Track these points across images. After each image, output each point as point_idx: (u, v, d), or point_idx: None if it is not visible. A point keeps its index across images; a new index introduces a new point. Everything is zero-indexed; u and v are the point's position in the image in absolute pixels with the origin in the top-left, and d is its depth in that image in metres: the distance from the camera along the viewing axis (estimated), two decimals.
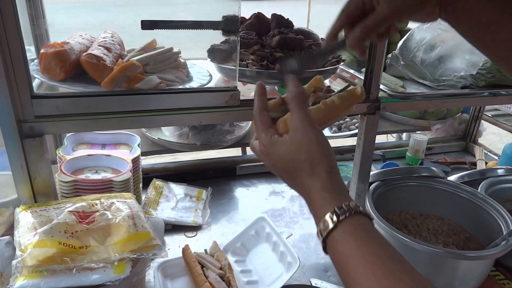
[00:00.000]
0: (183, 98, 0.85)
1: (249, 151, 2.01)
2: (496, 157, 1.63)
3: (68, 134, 1.21)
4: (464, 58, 1.04)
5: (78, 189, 0.99)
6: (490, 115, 2.18)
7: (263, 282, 0.95)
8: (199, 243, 1.13)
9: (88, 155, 1.13)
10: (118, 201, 0.82)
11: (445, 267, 0.89)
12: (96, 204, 0.80)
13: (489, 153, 1.70)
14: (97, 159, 1.14)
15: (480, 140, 1.82)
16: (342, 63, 1.06)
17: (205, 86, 0.94)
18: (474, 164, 1.59)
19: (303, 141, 0.59)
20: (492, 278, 1.04)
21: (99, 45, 0.94)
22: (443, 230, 1.07)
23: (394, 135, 2.55)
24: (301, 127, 0.60)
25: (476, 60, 1.03)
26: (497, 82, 1.05)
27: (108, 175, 1.07)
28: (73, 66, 0.87)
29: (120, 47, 1.01)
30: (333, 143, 1.71)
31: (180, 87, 0.91)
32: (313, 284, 0.99)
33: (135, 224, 0.75)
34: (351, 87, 0.71)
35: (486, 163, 1.57)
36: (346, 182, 1.40)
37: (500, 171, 1.20)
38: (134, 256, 0.69)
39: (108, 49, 0.94)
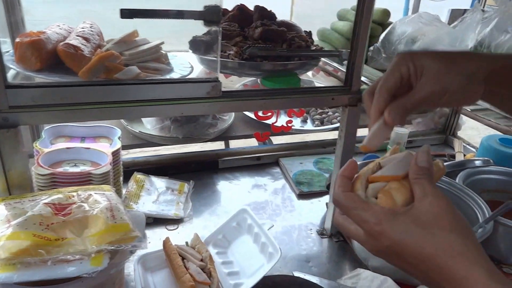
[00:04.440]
0: (163, 89, 0.84)
1: (232, 144, 2.01)
2: (474, 150, 1.66)
3: (46, 127, 1.19)
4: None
5: (55, 183, 0.97)
6: (469, 110, 2.20)
7: (244, 273, 0.95)
8: (180, 236, 1.13)
9: (67, 148, 1.11)
10: (96, 193, 0.81)
11: None
12: (73, 196, 0.79)
13: (467, 146, 1.73)
14: (75, 152, 1.12)
15: (460, 134, 1.85)
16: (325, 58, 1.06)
17: (186, 77, 0.93)
18: (453, 156, 1.62)
19: (445, 214, 0.46)
20: None
21: (77, 35, 0.92)
22: None
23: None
24: (434, 199, 0.48)
25: None
26: None
27: (87, 168, 1.05)
28: (49, 56, 0.85)
29: (99, 37, 0.99)
30: (316, 136, 1.73)
31: (161, 78, 0.90)
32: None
33: (114, 216, 0.74)
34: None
35: (464, 155, 1.60)
36: (327, 175, 1.41)
37: (477, 162, 1.23)
38: (112, 248, 0.68)
39: (86, 39, 0.93)
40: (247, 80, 1.13)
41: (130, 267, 0.99)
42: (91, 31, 0.97)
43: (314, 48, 1.06)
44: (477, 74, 0.54)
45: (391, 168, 0.55)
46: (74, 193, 0.80)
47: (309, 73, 1.25)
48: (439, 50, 0.57)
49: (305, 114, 1.68)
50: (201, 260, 0.94)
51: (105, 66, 0.84)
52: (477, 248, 0.45)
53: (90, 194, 0.80)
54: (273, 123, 1.39)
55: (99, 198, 0.79)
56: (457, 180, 1.10)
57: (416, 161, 0.53)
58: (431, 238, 0.45)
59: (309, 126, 1.66)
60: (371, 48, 1.13)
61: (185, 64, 1.00)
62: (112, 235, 0.70)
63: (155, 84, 0.83)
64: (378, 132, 0.58)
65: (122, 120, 1.56)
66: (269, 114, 1.38)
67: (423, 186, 0.49)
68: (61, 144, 1.13)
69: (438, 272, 0.44)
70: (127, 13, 0.73)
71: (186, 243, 1.02)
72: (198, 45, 0.98)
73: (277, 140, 1.76)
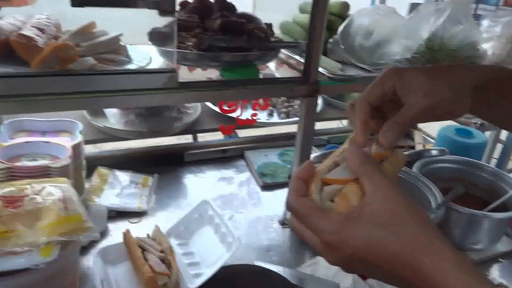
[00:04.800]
0: (119, 80, 0.83)
1: (200, 138, 2.00)
2: (433, 141, 1.71)
3: (5, 121, 1.17)
4: (400, 42, 1.08)
5: (13, 177, 0.95)
6: None
7: (204, 263, 0.96)
8: (143, 229, 1.12)
9: (26, 142, 1.09)
10: (50, 185, 0.80)
11: None
12: (26, 189, 0.78)
13: (427, 137, 1.77)
14: (35, 146, 1.10)
15: (420, 126, 1.89)
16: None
17: (144, 68, 0.92)
18: (413, 147, 1.66)
19: (401, 208, 0.44)
20: None
21: (32, 26, 0.90)
22: None
23: (345, 122, 2.61)
24: (387, 191, 0.45)
25: (411, 45, 1.07)
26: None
27: (46, 162, 1.03)
28: (2, 47, 0.83)
29: (56, 29, 0.98)
30: (282, 129, 1.75)
31: (117, 68, 0.89)
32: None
33: (67, 208, 0.74)
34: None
35: (424, 146, 1.64)
36: (289, 166, 1.43)
37: (434, 152, 1.26)
38: (63, 239, 0.67)
39: (41, 30, 0.91)
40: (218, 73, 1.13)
41: (90, 260, 0.99)
42: (48, 22, 0.96)
43: (273, 40, 1.07)
44: (464, 86, 0.54)
45: (346, 168, 0.52)
46: (28, 186, 0.80)
47: (273, 67, 1.26)
48: (422, 66, 0.57)
49: (271, 108, 1.70)
50: (161, 252, 0.94)
51: (59, 57, 0.83)
52: (440, 238, 0.44)
53: (44, 187, 0.80)
54: (238, 116, 1.40)
55: (53, 190, 0.78)
56: (413, 169, 1.13)
57: (348, 151, 0.51)
58: (392, 236, 0.43)
59: (275, 119, 1.67)
60: (331, 40, 1.15)
61: (144, 55, 1.00)
62: (64, 227, 0.70)
63: (111, 74, 0.83)
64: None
65: (86, 115, 1.54)
66: (234, 107, 1.38)
67: (371, 179, 0.47)
68: (20, 139, 1.11)
69: (406, 270, 0.43)
70: (77, 1, 0.72)
71: (147, 235, 1.02)
72: (156, 37, 0.98)
73: (245, 133, 1.77)
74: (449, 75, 0.54)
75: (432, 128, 2.72)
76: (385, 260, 0.43)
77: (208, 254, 0.97)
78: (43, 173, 0.98)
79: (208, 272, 0.90)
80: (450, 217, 1.04)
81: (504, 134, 1.79)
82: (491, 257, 1.14)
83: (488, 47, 1.24)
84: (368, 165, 0.48)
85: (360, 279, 0.94)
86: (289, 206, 0.50)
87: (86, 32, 0.95)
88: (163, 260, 0.91)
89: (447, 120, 0.54)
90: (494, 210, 1.10)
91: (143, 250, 0.94)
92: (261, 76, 1.03)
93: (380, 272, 0.45)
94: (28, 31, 0.86)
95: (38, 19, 0.95)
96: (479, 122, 1.97)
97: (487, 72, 0.57)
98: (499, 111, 0.60)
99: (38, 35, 0.87)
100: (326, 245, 0.46)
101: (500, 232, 1.11)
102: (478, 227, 1.06)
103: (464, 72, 0.56)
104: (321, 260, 0.98)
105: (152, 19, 0.90)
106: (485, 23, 1.30)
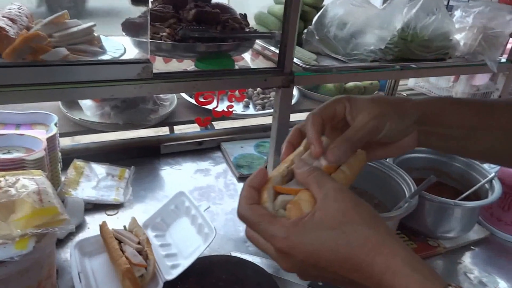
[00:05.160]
0: (93, 71, 0.82)
1: (177, 130, 1.99)
2: None
3: None
4: (374, 33, 1.09)
5: None
6: (405, 94, 2.32)
7: (181, 254, 0.96)
8: (120, 221, 1.12)
9: None
10: (24, 178, 0.79)
11: None
12: (0, 181, 0.77)
13: None
14: (8, 139, 1.08)
15: None
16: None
17: (118, 59, 0.92)
18: None
19: (352, 209, 0.45)
20: None
21: (3, 16, 0.88)
22: None
23: None
24: (337, 194, 0.46)
25: (384, 35, 1.08)
26: (403, 56, 1.13)
27: (20, 154, 1.02)
28: None
29: (28, 19, 0.96)
30: (258, 121, 1.75)
31: (90, 59, 0.88)
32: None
33: (41, 200, 0.73)
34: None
35: None
36: (266, 158, 1.44)
37: None
38: (38, 231, 0.67)
39: (12, 20, 0.89)
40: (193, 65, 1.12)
41: (68, 253, 0.98)
42: (19, 12, 0.94)
43: (248, 30, 1.08)
44: (408, 116, 0.58)
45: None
46: (1, 178, 0.78)
47: (248, 59, 1.27)
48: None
49: (246, 99, 1.70)
50: (138, 243, 0.95)
51: (31, 47, 0.82)
52: (391, 237, 0.44)
53: (18, 179, 0.78)
54: (214, 108, 1.40)
55: (27, 183, 0.77)
56: (387, 159, 1.16)
57: (295, 167, 0.51)
58: (343, 237, 0.43)
59: (251, 111, 1.68)
60: (305, 31, 1.16)
61: (118, 46, 0.99)
62: (39, 219, 0.69)
63: (84, 65, 0.82)
64: None
65: (61, 107, 1.51)
66: (210, 99, 1.38)
67: (320, 185, 0.47)
68: None
69: (358, 271, 0.43)
70: None
71: (124, 227, 1.02)
72: (130, 27, 0.96)
73: (221, 125, 1.77)
74: (395, 104, 0.58)
75: None
76: (338, 264, 0.43)
77: (185, 245, 0.98)
78: (18, 165, 0.97)
79: (185, 263, 0.90)
80: (423, 206, 1.07)
81: None
82: (464, 245, 1.18)
83: (460, 38, 1.27)
84: (315, 173, 0.49)
85: None
86: (240, 215, 0.49)
87: (58, 22, 0.94)
88: (140, 252, 0.92)
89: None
90: (466, 199, 1.14)
91: (120, 242, 0.94)
92: (236, 68, 1.04)
93: (334, 277, 0.45)
94: None
95: (9, 9, 0.93)
96: None
97: (426, 105, 0.60)
98: (450, 140, 0.63)
99: (9, 25, 0.85)
100: (278, 252, 0.46)
101: (472, 220, 1.15)
102: (450, 215, 1.09)
103: (408, 104, 0.60)
104: None
105: (126, 9, 0.90)
106: (457, 13, 1.33)
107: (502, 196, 1.13)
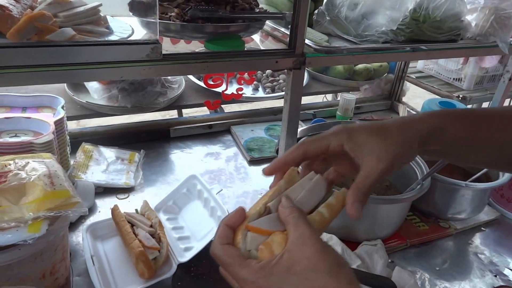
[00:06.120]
0: (101, 52, 0.81)
1: (185, 113, 1.98)
2: None
3: None
4: (385, 14, 1.06)
5: None
6: (414, 77, 2.29)
7: (194, 237, 0.96)
8: (131, 205, 1.11)
9: (6, 118, 1.06)
10: (34, 161, 0.78)
11: (366, 213, 0.94)
12: (10, 165, 0.76)
13: (411, 111, 1.79)
14: (16, 122, 1.07)
15: (404, 99, 1.91)
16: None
17: (126, 40, 0.90)
18: None
19: (317, 255, 0.46)
20: (409, 222, 1.12)
21: None
22: None
23: (329, 96, 2.62)
24: (306, 240, 0.47)
25: (396, 16, 1.06)
26: (415, 37, 1.09)
27: (28, 138, 1.01)
28: None
29: None
30: (267, 104, 1.74)
31: (97, 40, 0.86)
32: None
33: (53, 183, 0.72)
34: (335, 191, 0.58)
35: None
36: (277, 141, 1.43)
37: None
38: (51, 214, 0.66)
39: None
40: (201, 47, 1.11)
41: (80, 237, 0.98)
42: None
43: (258, 10, 1.05)
44: (412, 141, 0.57)
45: (273, 219, 0.52)
46: (11, 161, 0.77)
47: (258, 40, 1.24)
48: (369, 124, 0.59)
49: (256, 82, 1.68)
50: (151, 226, 0.94)
51: (36, 27, 0.80)
52: (352, 284, 0.45)
53: (28, 162, 0.78)
54: (223, 91, 1.38)
55: (37, 166, 0.76)
56: None
57: (281, 205, 0.53)
58: (305, 284, 0.44)
59: (260, 94, 1.67)
60: (316, 11, 1.13)
61: (125, 27, 0.97)
62: (51, 202, 0.68)
63: (91, 46, 0.80)
64: (315, 189, 0.56)
65: (68, 91, 1.50)
66: (219, 82, 1.37)
67: (296, 226, 0.49)
68: (0, 114, 1.08)
69: None
70: None
71: (136, 210, 1.02)
72: (137, 7, 0.95)
73: (230, 108, 1.76)
74: (396, 134, 0.57)
75: (416, 102, 2.75)
76: None
77: (198, 228, 0.97)
78: (26, 149, 0.96)
79: (198, 245, 0.90)
80: (434, 188, 1.06)
81: (485, 106, 1.82)
82: (474, 226, 1.18)
83: (471, 19, 1.24)
84: (294, 214, 0.50)
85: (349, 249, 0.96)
86: (213, 254, 0.50)
87: (63, 2, 0.92)
88: (152, 235, 0.91)
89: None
90: (477, 180, 1.13)
91: (132, 225, 0.93)
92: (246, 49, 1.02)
93: None
94: (1, 0, 0.83)
95: None
96: (461, 95, 2.00)
97: (427, 124, 0.59)
98: (457, 152, 0.62)
99: (12, 5, 0.84)
100: None
101: (483, 202, 1.14)
102: (461, 197, 1.09)
103: (409, 128, 0.58)
104: None
105: None
106: None
107: None
